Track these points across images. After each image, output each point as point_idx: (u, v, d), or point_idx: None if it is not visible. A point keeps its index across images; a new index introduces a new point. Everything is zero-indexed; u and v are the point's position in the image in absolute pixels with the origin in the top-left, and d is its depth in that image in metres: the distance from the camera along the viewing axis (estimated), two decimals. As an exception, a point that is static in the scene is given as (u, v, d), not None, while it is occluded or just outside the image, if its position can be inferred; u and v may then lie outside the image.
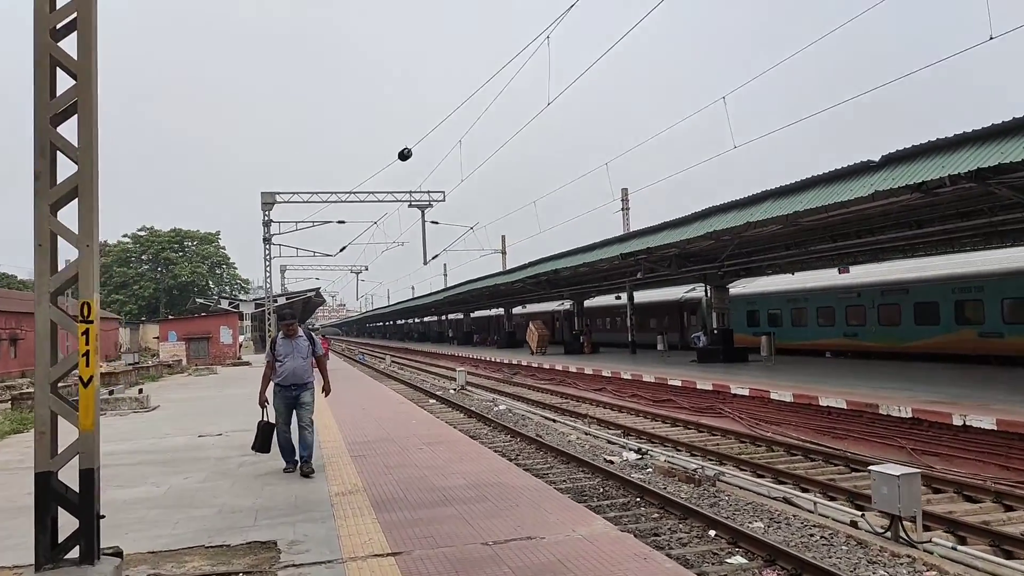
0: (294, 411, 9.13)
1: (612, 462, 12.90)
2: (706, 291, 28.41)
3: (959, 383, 16.55)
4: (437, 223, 36.55)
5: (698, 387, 20.01)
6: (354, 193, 34.44)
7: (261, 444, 9.09)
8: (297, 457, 9.12)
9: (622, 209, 35.73)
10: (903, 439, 13.49)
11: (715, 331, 27.56)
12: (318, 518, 6.69)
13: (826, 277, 27.98)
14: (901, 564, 7.32)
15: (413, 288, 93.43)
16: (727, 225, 17.90)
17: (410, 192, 34.15)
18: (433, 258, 38.27)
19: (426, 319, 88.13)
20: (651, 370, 24.20)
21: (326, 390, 9.80)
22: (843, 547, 7.94)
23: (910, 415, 13.29)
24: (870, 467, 8.40)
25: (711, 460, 13.54)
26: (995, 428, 11.59)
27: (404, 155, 18.39)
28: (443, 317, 77.96)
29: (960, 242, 18.58)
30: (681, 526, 9.00)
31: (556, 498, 7.55)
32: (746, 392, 17.91)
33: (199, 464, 9.96)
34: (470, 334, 64.19)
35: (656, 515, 9.56)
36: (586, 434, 16.50)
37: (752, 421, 17.30)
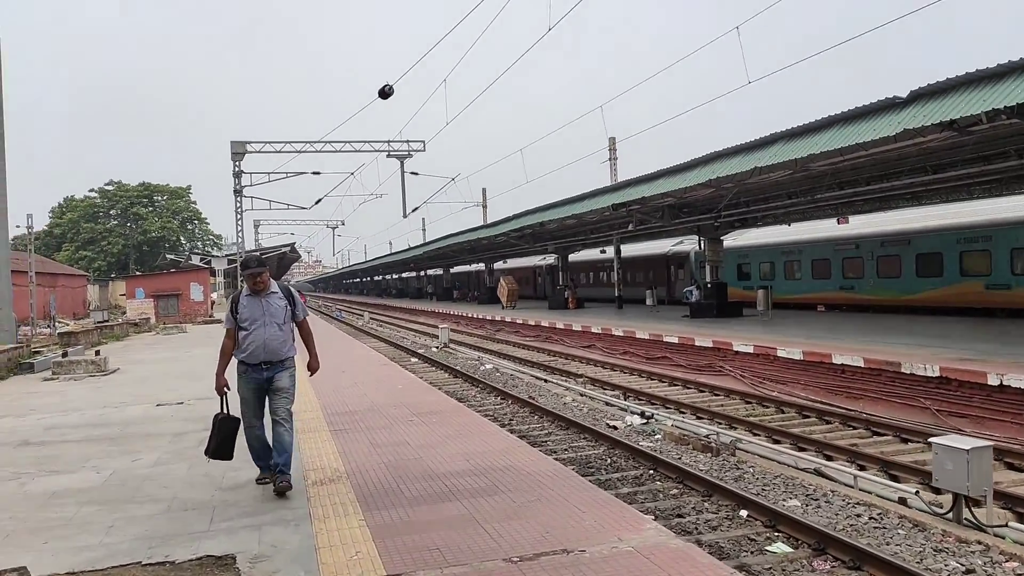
0: (266, 399, 6.53)
1: (616, 428, 11.82)
2: (700, 243, 27.26)
3: (979, 338, 15.59)
4: (417, 174, 35.08)
5: (696, 344, 18.95)
6: (329, 143, 32.77)
7: (218, 447, 6.42)
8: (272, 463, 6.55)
9: (610, 159, 34.26)
10: (927, 399, 12.52)
11: (708, 285, 26.49)
12: (291, 519, 5.38)
13: (822, 228, 26.99)
14: (973, 553, 6.26)
15: (391, 243, 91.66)
16: (731, 171, 16.71)
17: (388, 141, 32.55)
18: (413, 210, 36.85)
19: (404, 275, 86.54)
20: (643, 326, 23.12)
21: (312, 367, 6.99)
22: (899, 531, 6.89)
23: (937, 374, 12.28)
24: (931, 439, 7.34)
25: (720, 424, 12.53)
26: (1039, 388, 10.60)
27: (385, 92, 16.75)
28: (422, 273, 76.43)
29: (979, 188, 17.46)
30: (707, 505, 7.93)
31: (584, 488, 6.23)
32: (750, 349, 16.86)
33: (152, 441, 8.61)
34: (450, 290, 62.90)
35: (675, 491, 8.49)
36: (582, 395, 15.43)
37: (756, 380, 16.29)
